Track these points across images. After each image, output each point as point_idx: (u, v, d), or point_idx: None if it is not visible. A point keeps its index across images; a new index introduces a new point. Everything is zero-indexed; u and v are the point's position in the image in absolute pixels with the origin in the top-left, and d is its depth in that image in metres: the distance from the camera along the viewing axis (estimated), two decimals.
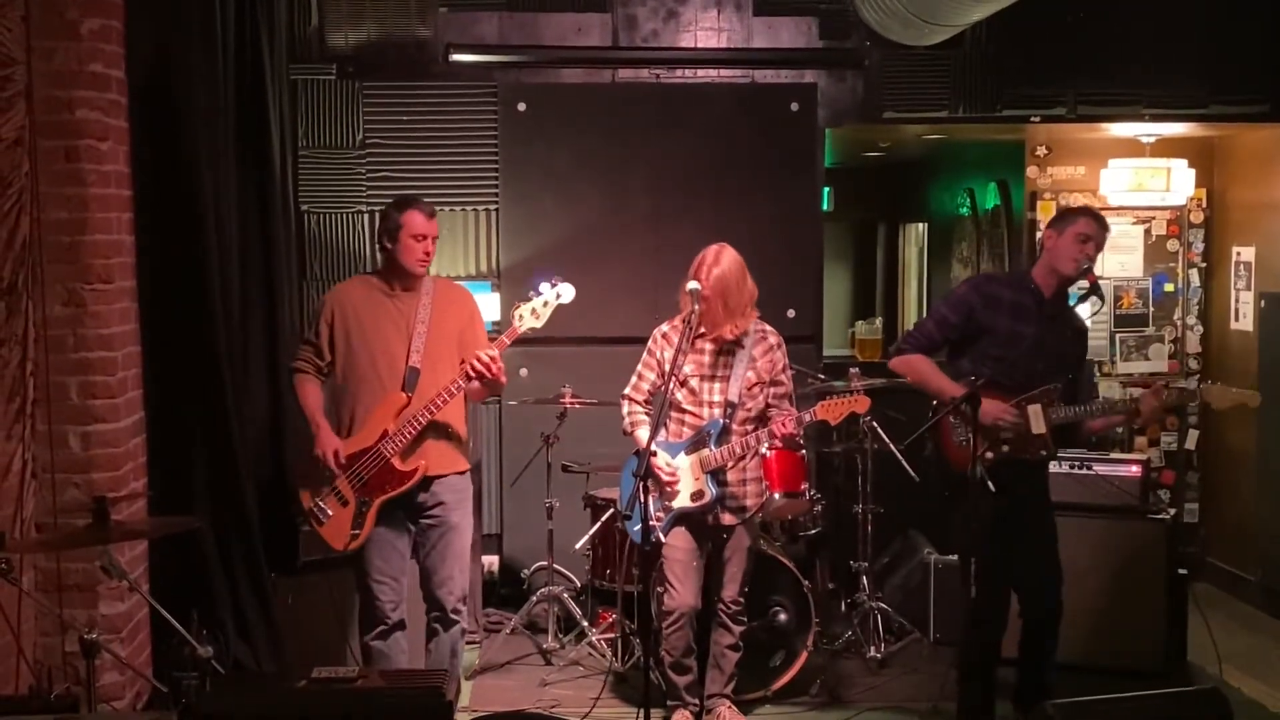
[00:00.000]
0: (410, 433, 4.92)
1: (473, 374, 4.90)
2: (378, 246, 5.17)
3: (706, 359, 5.19)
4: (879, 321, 10.53)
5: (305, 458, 5.07)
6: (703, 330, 5.17)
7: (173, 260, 5.06)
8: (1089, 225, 4.98)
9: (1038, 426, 4.93)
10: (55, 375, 4.60)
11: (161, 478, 5.05)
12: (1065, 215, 5.14)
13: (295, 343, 5.39)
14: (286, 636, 5.42)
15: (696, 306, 5.01)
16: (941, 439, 5.08)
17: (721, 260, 5.09)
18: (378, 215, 5.43)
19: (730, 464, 5.14)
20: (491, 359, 4.88)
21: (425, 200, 5.19)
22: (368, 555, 5.03)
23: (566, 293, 5.00)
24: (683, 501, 5.16)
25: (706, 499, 5.13)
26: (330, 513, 4.99)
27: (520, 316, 4.96)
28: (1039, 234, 6.28)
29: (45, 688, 4.28)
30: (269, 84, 5.81)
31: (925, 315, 5.31)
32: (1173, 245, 7.83)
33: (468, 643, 6.27)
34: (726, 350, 5.19)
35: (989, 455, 4.91)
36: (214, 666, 4.08)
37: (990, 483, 4.76)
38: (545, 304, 4.97)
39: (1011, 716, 5.24)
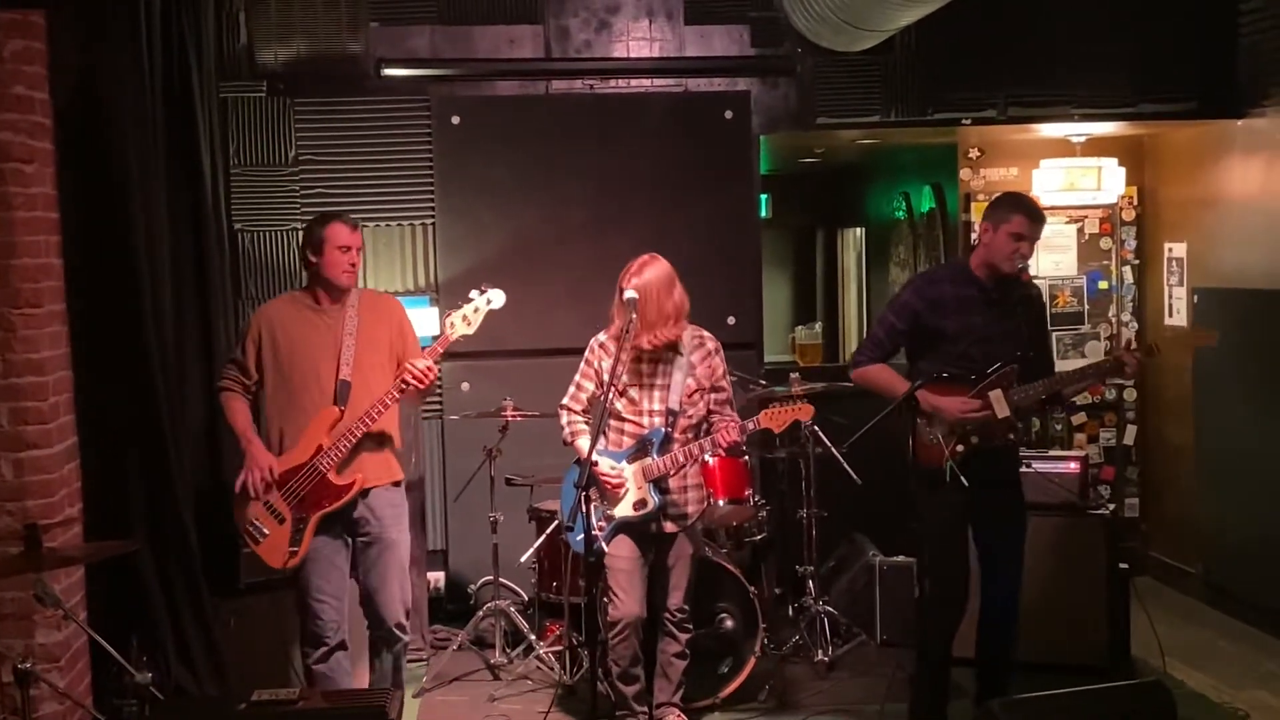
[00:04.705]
0: (345, 446, 4.90)
1: (407, 385, 4.91)
2: (302, 263, 5.16)
3: (645, 367, 5.18)
4: (819, 326, 10.60)
5: (239, 476, 5.01)
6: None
7: (104, 282, 5.02)
8: (1022, 224, 4.96)
9: (1001, 411, 4.95)
10: None
11: (97, 502, 4.98)
12: (1000, 205, 5.10)
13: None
14: (229, 659, 5.37)
15: (633, 315, 5.01)
16: (914, 440, 4.99)
17: (644, 271, 5.08)
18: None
19: (673, 472, 5.14)
20: (427, 369, 4.91)
21: (349, 215, 5.22)
22: (308, 574, 4.98)
23: (497, 298, 5.05)
24: (625, 511, 5.15)
25: (649, 507, 5.13)
26: (267, 531, 4.94)
27: (452, 324, 4.99)
28: (974, 235, 6.32)
29: None
30: (198, 103, 5.78)
31: (875, 324, 5.31)
32: (1106, 243, 7.92)
33: (415, 660, 6.25)
34: (665, 358, 5.18)
35: (960, 449, 4.94)
36: (153, 693, 4.04)
37: (963, 478, 4.81)
38: (476, 310, 5.01)
39: (963, 716, 5.27)
